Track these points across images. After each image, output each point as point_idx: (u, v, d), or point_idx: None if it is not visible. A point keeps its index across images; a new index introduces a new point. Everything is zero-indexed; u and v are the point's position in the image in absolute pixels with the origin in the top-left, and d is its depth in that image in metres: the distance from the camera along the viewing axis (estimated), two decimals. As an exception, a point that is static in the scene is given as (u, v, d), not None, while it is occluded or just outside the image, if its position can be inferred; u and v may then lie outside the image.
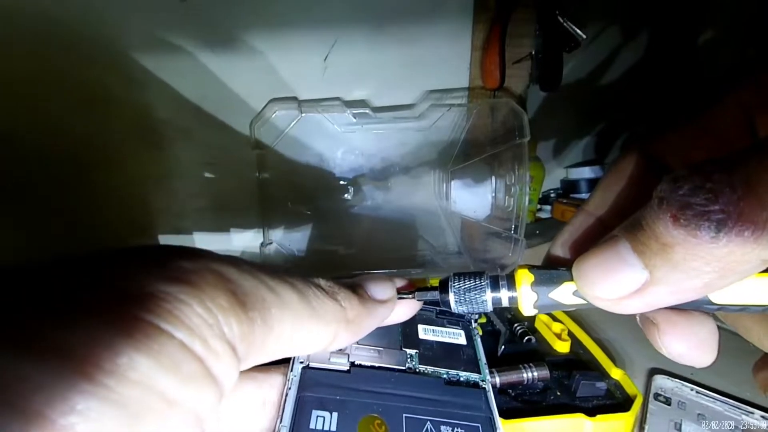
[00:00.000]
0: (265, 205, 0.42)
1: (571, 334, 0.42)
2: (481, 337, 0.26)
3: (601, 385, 0.35)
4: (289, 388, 0.19)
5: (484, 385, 0.22)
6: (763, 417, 0.36)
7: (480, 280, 0.18)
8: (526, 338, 0.41)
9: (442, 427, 0.19)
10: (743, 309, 0.14)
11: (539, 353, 0.40)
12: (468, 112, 0.43)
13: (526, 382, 0.35)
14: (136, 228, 0.41)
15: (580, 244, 0.19)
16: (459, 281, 0.19)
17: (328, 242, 0.46)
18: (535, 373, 0.36)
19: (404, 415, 0.19)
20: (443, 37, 0.40)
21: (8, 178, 0.35)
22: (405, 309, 0.21)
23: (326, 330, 0.17)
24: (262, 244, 0.42)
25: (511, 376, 0.35)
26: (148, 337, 0.11)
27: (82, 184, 0.38)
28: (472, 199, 0.45)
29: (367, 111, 0.41)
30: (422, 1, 0.38)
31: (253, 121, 0.40)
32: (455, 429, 0.19)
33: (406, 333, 0.24)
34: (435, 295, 0.20)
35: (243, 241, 0.45)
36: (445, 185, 0.46)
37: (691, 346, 0.16)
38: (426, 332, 0.25)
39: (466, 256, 0.47)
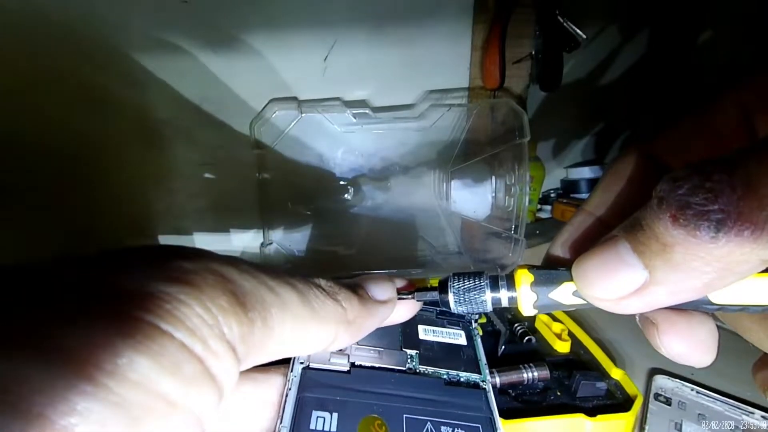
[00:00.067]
0: (265, 206, 0.42)
1: (571, 334, 0.42)
2: (481, 337, 0.26)
3: (602, 385, 0.35)
4: (289, 389, 0.19)
5: (484, 386, 0.22)
6: (763, 417, 0.36)
7: (479, 280, 0.18)
8: (526, 338, 0.41)
9: (443, 428, 0.19)
10: (743, 309, 0.14)
11: (539, 353, 0.40)
12: (468, 112, 0.43)
13: (526, 382, 0.35)
14: (136, 228, 0.41)
15: (579, 244, 0.19)
16: (458, 281, 0.19)
17: (328, 242, 0.46)
18: (536, 373, 0.36)
19: (404, 415, 0.19)
20: (443, 37, 0.40)
21: (8, 178, 0.35)
22: (405, 309, 0.21)
23: (326, 330, 0.17)
24: (262, 245, 0.42)
25: (512, 376, 0.35)
26: (148, 338, 0.11)
27: (82, 184, 0.38)
28: (472, 199, 0.45)
29: (367, 111, 0.41)
30: (422, 1, 0.38)
31: (253, 121, 0.40)
32: (455, 429, 0.19)
33: (406, 333, 0.24)
34: (435, 295, 0.20)
35: (243, 241, 0.45)
36: (445, 185, 0.46)
37: (691, 346, 0.16)
38: (426, 332, 0.25)
39: (466, 256, 0.47)
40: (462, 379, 0.22)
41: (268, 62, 0.38)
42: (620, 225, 0.14)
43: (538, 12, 0.41)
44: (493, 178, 0.44)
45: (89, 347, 0.10)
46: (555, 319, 0.44)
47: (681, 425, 0.36)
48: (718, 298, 0.14)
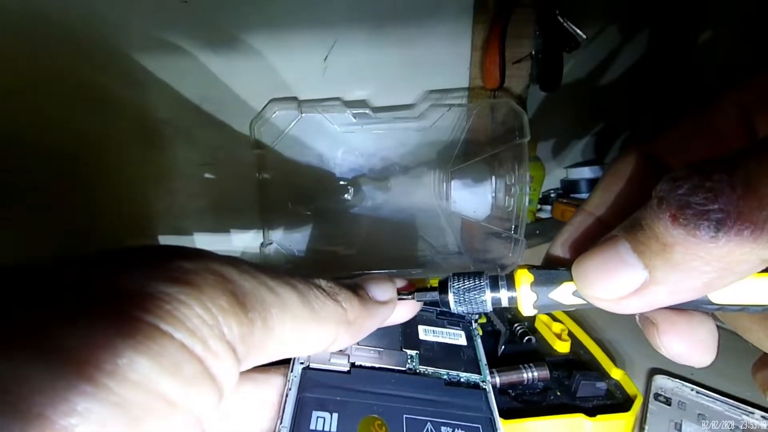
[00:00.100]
0: (265, 206, 0.42)
1: (571, 334, 0.42)
2: (481, 337, 0.26)
3: (601, 385, 0.35)
4: (290, 389, 0.19)
5: (484, 386, 0.22)
6: (763, 417, 0.36)
7: (479, 280, 0.18)
8: (526, 338, 0.41)
9: (443, 428, 0.19)
10: (743, 309, 0.14)
11: (539, 353, 0.40)
12: (468, 112, 0.43)
13: (526, 383, 0.36)
14: (136, 228, 0.41)
15: (579, 244, 0.19)
16: (458, 281, 0.19)
17: (328, 242, 0.46)
18: (535, 373, 0.36)
19: (405, 415, 0.19)
20: (443, 37, 0.40)
21: (8, 178, 0.35)
22: (405, 310, 0.21)
23: (327, 331, 0.17)
24: (262, 245, 0.42)
25: (512, 376, 0.35)
26: (148, 338, 0.11)
27: (82, 184, 0.38)
28: (472, 199, 0.45)
29: (367, 111, 0.41)
30: (422, 1, 0.38)
31: (253, 121, 0.40)
32: (456, 430, 0.19)
33: (406, 333, 0.24)
34: (434, 295, 0.20)
35: (243, 241, 0.45)
36: (445, 185, 0.46)
37: (691, 346, 0.16)
38: (426, 333, 0.25)
39: (466, 256, 0.47)
40: (462, 380, 0.22)
41: (268, 62, 0.38)
42: (620, 225, 0.14)
43: (538, 12, 0.41)
44: (493, 178, 0.44)
45: (89, 347, 0.10)
46: (555, 319, 0.44)
47: (681, 425, 0.36)
48: (718, 298, 0.14)
